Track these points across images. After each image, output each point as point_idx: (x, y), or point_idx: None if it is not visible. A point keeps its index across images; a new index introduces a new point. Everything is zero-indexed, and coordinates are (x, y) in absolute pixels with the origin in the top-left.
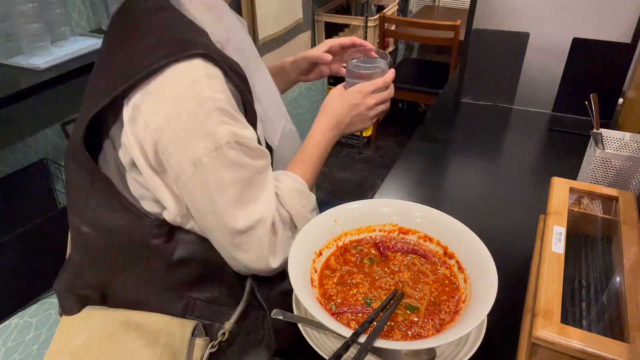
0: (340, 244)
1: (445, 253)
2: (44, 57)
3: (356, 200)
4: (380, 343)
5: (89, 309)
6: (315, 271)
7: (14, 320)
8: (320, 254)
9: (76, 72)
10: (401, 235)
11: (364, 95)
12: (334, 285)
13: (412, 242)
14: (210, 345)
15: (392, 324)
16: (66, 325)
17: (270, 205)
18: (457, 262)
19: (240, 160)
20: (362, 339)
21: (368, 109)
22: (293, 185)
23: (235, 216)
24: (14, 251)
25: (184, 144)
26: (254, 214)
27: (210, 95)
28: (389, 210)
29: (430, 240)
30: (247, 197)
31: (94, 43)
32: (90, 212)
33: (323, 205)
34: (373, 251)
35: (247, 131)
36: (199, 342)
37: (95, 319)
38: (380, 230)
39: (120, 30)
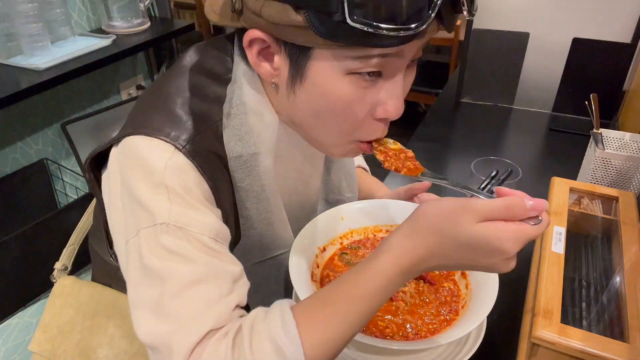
0: (345, 242)
1: None
2: (44, 57)
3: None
4: (380, 343)
5: (80, 283)
6: (318, 266)
7: (14, 320)
8: (324, 249)
9: (76, 72)
10: None
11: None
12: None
13: None
14: None
15: (391, 323)
16: (57, 296)
17: (195, 328)
18: None
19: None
20: None
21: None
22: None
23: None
24: (14, 251)
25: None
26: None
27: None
28: (393, 211)
29: None
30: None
31: (94, 43)
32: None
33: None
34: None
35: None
36: None
37: (83, 297)
38: (387, 232)
39: (169, 72)
